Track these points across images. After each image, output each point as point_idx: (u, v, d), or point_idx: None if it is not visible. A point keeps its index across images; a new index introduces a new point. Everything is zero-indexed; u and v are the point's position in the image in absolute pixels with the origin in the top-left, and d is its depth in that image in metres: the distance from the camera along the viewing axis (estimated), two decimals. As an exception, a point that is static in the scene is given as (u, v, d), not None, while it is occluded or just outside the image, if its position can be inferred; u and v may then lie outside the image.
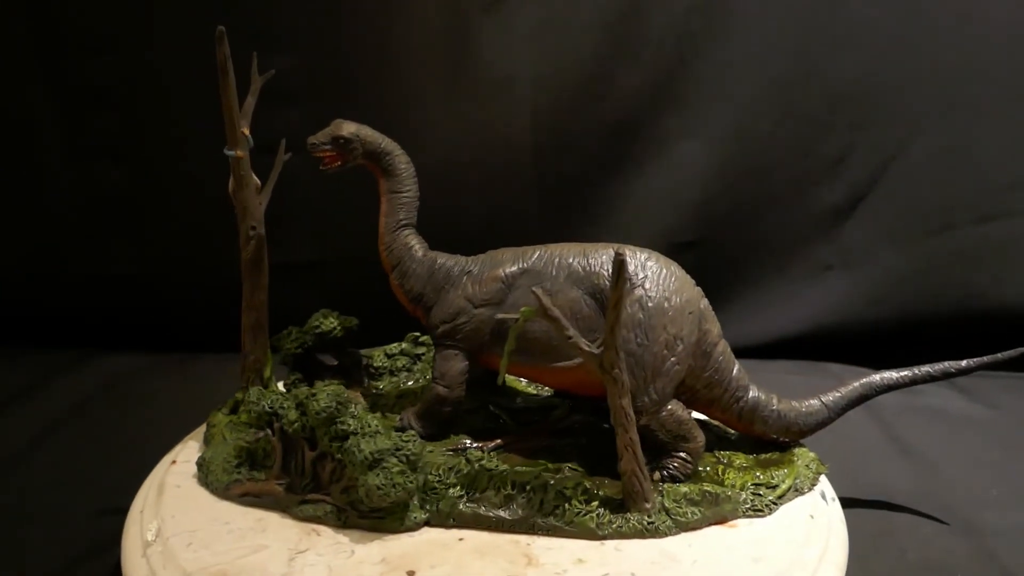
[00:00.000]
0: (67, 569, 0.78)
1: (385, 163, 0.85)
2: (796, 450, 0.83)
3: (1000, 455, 1.04)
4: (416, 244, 0.86)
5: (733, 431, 0.85)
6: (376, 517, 0.72)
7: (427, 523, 0.73)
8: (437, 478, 0.75)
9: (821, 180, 1.28)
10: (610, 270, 0.73)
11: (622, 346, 0.71)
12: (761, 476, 0.77)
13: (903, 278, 1.30)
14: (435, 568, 0.67)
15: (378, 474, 0.70)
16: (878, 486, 0.95)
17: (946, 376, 0.84)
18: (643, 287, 0.75)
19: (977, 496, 0.94)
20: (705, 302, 0.79)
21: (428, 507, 0.73)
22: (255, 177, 0.86)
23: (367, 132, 0.85)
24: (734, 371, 0.80)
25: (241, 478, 0.78)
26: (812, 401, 0.83)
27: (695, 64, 1.23)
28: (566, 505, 0.72)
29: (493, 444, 0.82)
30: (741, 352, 1.34)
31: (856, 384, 0.84)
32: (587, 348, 0.69)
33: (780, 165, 1.27)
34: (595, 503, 0.72)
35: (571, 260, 0.78)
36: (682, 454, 0.77)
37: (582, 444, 0.82)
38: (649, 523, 0.71)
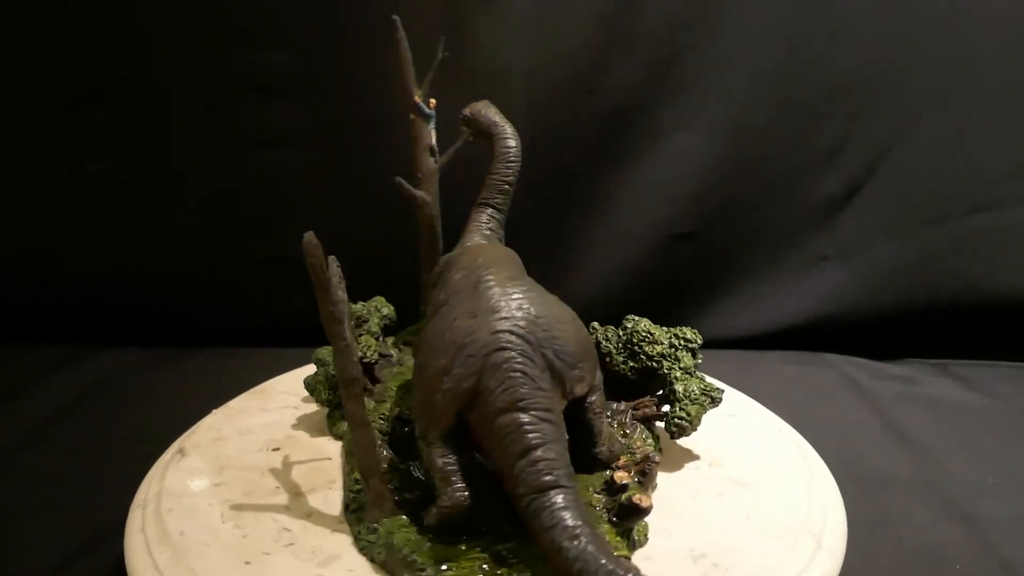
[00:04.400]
0: (66, 562, 0.78)
1: (492, 144, 0.90)
2: None
3: (997, 444, 1.04)
4: (476, 223, 0.87)
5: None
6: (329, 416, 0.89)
7: (341, 437, 0.84)
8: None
9: (817, 171, 1.28)
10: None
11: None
12: None
13: (899, 268, 1.30)
14: (278, 452, 0.83)
15: (315, 375, 0.89)
16: (875, 474, 0.95)
17: None
18: (448, 304, 0.69)
19: (974, 485, 0.94)
20: (502, 357, 0.63)
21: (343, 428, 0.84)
22: (429, 139, 0.96)
23: (484, 115, 0.90)
24: (522, 460, 0.60)
25: None
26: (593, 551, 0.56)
27: (690, 55, 1.23)
28: (349, 480, 0.73)
29: None
30: (737, 343, 1.37)
31: None
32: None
33: (776, 156, 1.27)
34: (360, 489, 0.69)
35: (473, 266, 0.72)
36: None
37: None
38: (358, 533, 0.68)
